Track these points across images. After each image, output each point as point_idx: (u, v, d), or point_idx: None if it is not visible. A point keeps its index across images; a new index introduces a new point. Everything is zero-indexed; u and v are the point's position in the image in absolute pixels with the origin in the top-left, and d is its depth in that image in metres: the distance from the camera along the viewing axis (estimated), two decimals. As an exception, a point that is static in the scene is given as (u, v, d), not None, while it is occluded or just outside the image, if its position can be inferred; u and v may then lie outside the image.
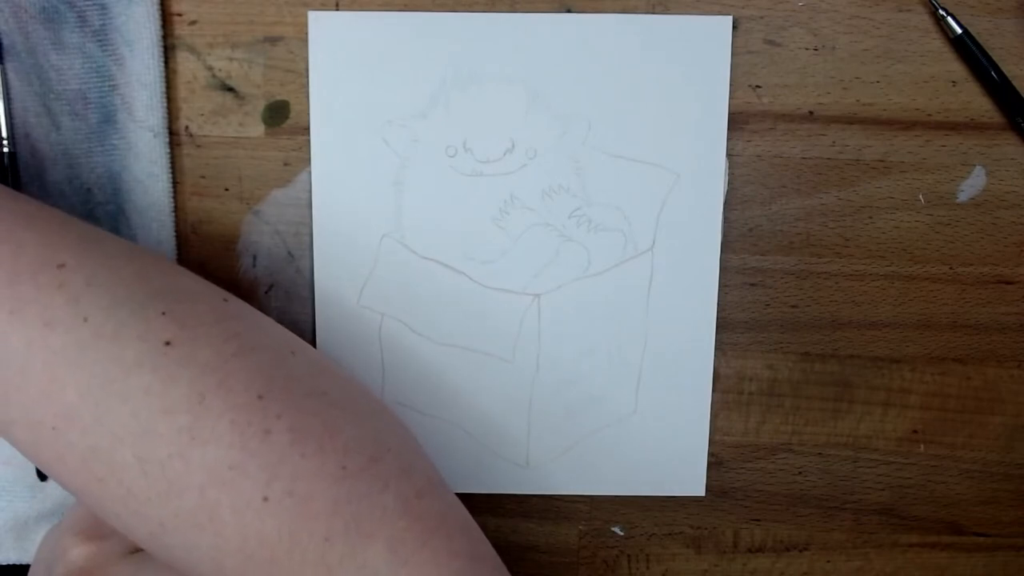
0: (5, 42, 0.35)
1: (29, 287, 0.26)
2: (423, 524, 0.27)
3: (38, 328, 0.25)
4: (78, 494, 0.28)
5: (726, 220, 0.37)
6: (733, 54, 0.36)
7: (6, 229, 0.27)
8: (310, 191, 0.37)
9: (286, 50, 0.36)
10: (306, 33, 0.36)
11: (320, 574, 0.26)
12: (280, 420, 0.26)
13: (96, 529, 0.32)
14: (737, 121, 0.37)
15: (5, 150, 0.35)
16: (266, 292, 0.38)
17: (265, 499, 0.26)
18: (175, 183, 0.37)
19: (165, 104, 0.36)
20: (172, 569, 0.31)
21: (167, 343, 0.26)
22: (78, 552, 0.31)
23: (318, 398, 0.28)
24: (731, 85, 0.36)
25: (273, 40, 0.36)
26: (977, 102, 0.37)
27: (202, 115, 0.36)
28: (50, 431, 0.26)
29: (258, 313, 0.30)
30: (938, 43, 0.36)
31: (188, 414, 0.25)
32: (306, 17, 0.36)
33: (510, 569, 0.40)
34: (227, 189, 0.37)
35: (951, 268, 0.38)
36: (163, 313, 0.27)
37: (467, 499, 0.39)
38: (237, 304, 0.30)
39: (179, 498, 0.26)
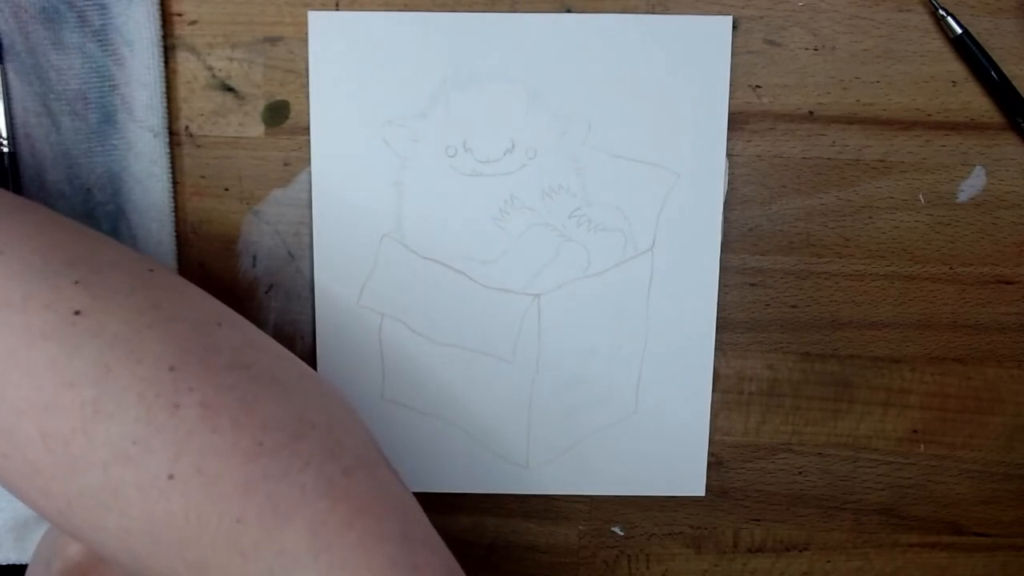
0: (5, 42, 0.35)
1: None
2: (348, 504, 0.25)
3: None
4: None
5: (726, 220, 0.37)
6: (733, 54, 0.36)
7: None
8: (310, 191, 0.37)
9: (286, 50, 0.36)
10: (306, 33, 0.36)
11: (233, 559, 0.24)
12: (192, 393, 0.25)
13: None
14: (737, 121, 0.37)
15: (5, 150, 0.35)
16: (266, 292, 0.38)
17: (171, 477, 0.24)
18: (175, 183, 0.37)
19: (165, 104, 0.36)
20: None
21: (76, 312, 0.25)
22: (76, 548, 0.31)
23: (239, 372, 0.26)
24: (731, 85, 0.36)
25: (273, 40, 0.36)
26: (977, 102, 0.37)
27: (202, 115, 0.36)
28: None
29: (187, 284, 0.29)
30: (938, 43, 0.36)
31: (93, 387, 0.24)
32: (306, 17, 0.36)
33: (510, 569, 0.40)
34: (227, 189, 0.37)
35: (951, 268, 0.38)
36: (76, 282, 0.25)
37: (467, 499, 0.39)
38: (164, 274, 0.28)
39: (84, 475, 0.24)
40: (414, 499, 0.28)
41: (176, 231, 0.37)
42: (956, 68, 0.36)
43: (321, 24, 0.36)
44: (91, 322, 0.25)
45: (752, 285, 0.38)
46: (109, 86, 0.35)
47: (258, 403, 0.26)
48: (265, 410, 0.26)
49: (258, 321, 0.38)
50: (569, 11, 0.36)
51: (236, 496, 0.24)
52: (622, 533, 0.40)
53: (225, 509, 0.24)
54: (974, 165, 0.37)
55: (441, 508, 0.39)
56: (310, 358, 0.38)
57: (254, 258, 0.37)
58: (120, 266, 0.27)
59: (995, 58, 0.36)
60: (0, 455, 0.25)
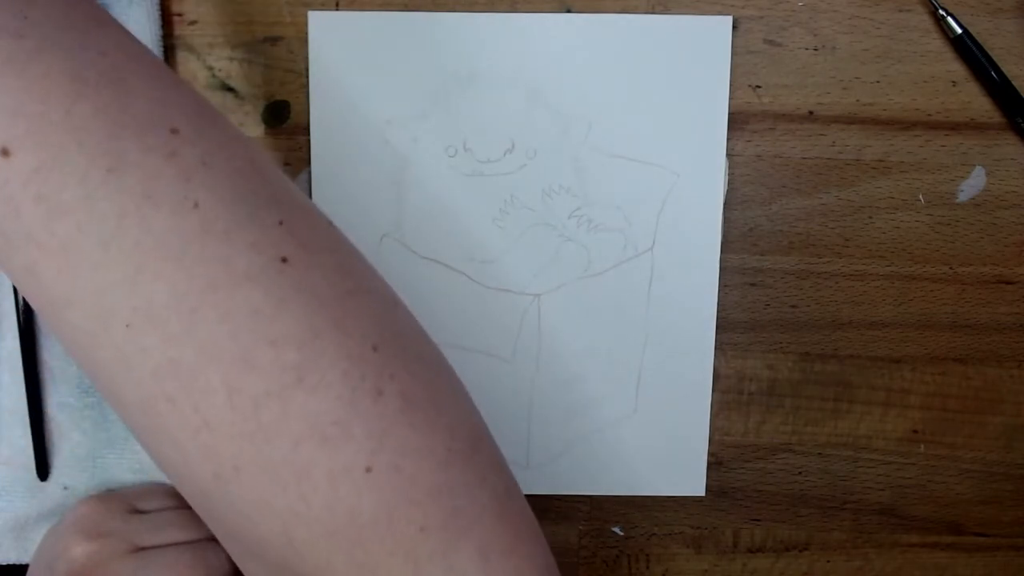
0: (5, 42, 0.35)
1: (133, 146, 0.21)
2: (511, 528, 0.24)
3: (136, 198, 0.20)
4: (131, 411, 0.23)
5: (726, 220, 0.37)
6: (733, 54, 0.36)
7: (112, 67, 0.21)
8: (310, 191, 0.37)
9: (286, 50, 0.36)
10: (306, 33, 0.36)
11: (407, 568, 0.22)
12: (393, 381, 0.22)
13: (98, 527, 0.32)
14: (737, 121, 0.37)
15: (5, 150, 0.35)
16: (266, 292, 0.38)
17: (368, 470, 0.21)
18: (175, 183, 0.37)
19: (165, 104, 0.36)
20: (179, 564, 0.31)
21: (283, 260, 0.22)
22: (80, 550, 0.31)
23: (425, 363, 0.24)
24: (731, 85, 0.36)
25: (273, 40, 0.36)
26: (977, 102, 0.37)
27: (202, 115, 0.36)
28: (122, 328, 0.21)
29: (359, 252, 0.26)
30: (938, 43, 0.36)
31: (297, 351, 0.21)
32: (306, 17, 0.36)
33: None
34: (227, 189, 0.37)
35: (951, 268, 0.38)
36: (280, 223, 0.22)
37: (467, 499, 0.39)
38: (342, 233, 0.25)
39: (267, 445, 0.21)
40: None
41: (176, 231, 0.37)
42: (956, 68, 0.36)
43: (321, 24, 0.36)
44: (298, 275, 0.22)
45: (752, 285, 0.38)
46: (109, 86, 0.35)
47: (444, 402, 0.24)
48: (451, 413, 0.24)
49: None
50: (569, 11, 0.36)
51: (425, 502, 0.22)
52: (622, 533, 0.40)
53: (413, 515, 0.22)
54: (974, 165, 0.37)
55: (441, 508, 0.39)
56: (310, 358, 0.38)
57: (254, 258, 0.37)
58: (313, 212, 0.24)
59: (995, 58, 0.36)
60: (164, 398, 0.21)
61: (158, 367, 0.21)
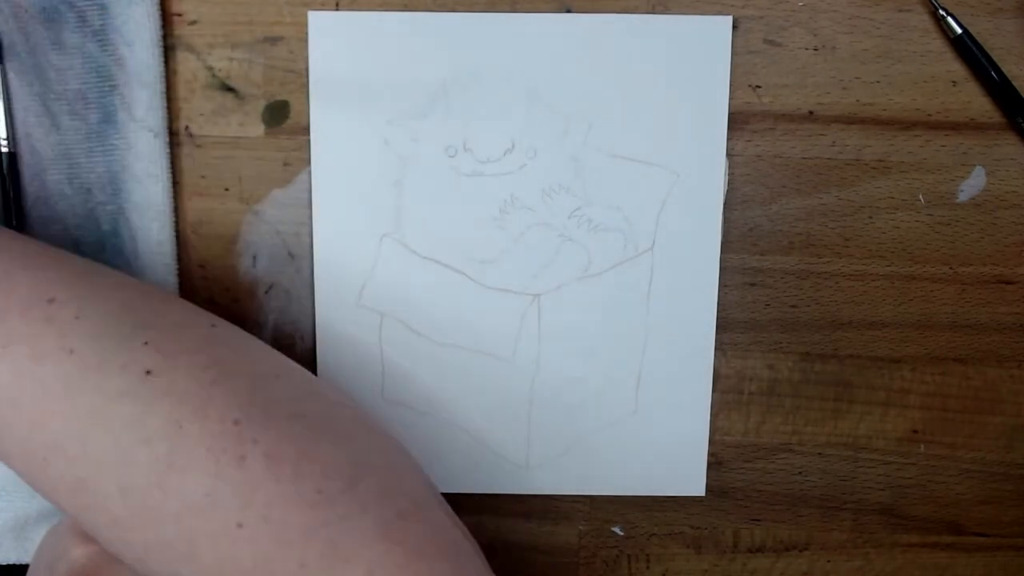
0: (5, 42, 0.35)
1: (19, 322, 0.27)
2: (404, 548, 0.26)
3: (26, 362, 0.26)
4: (75, 519, 0.29)
5: (726, 220, 0.37)
6: (733, 54, 0.36)
7: (1, 269, 0.28)
8: (310, 191, 0.37)
9: (286, 50, 0.36)
10: (306, 33, 0.36)
11: None
12: (256, 445, 0.26)
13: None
14: (737, 121, 0.37)
15: (5, 150, 0.35)
16: (266, 292, 0.38)
17: (240, 525, 0.26)
18: (175, 183, 0.37)
19: (165, 104, 0.36)
20: None
21: (148, 372, 0.27)
22: (81, 551, 0.31)
23: (298, 421, 0.28)
24: (731, 85, 0.36)
25: (273, 40, 0.36)
26: (977, 102, 0.37)
27: (202, 115, 0.36)
28: (41, 462, 0.27)
29: (248, 337, 0.31)
30: (938, 43, 0.36)
31: (166, 442, 0.26)
32: (306, 17, 0.36)
33: (510, 569, 0.40)
34: (227, 189, 0.37)
35: (951, 268, 0.38)
36: (146, 343, 0.27)
37: (467, 499, 0.39)
38: (225, 330, 0.30)
39: (158, 526, 0.26)
40: (469, 539, 0.29)
41: (176, 231, 0.37)
42: (956, 68, 0.36)
43: (321, 24, 0.36)
44: (162, 381, 0.27)
45: (752, 285, 0.38)
46: (109, 86, 0.35)
47: (317, 451, 0.27)
48: (324, 457, 0.27)
49: (258, 321, 0.38)
50: (569, 11, 0.36)
51: (300, 542, 0.26)
52: (622, 533, 0.40)
53: (290, 555, 0.26)
54: (974, 165, 0.37)
55: (441, 508, 0.39)
56: (310, 358, 0.38)
57: (254, 258, 0.37)
58: (185, 325, 0.29)
59: (995, 58, 0.36)
60: (83, 507, 0.27)
61: (71, 486, 0.27)
